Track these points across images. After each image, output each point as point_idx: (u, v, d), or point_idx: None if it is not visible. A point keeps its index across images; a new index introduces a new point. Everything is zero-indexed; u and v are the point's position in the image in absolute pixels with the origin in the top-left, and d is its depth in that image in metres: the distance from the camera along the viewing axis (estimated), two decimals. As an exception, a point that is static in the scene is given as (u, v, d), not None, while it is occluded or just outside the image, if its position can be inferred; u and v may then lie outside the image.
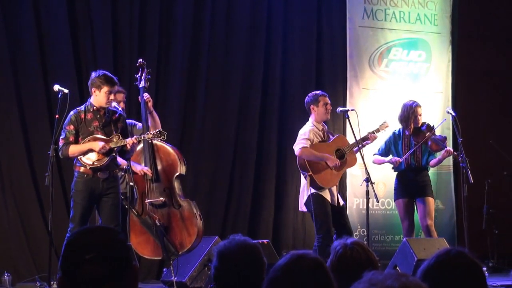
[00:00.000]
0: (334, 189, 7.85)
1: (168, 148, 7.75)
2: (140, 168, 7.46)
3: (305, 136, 7.81)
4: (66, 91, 6.96)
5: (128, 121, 7.46)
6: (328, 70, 10.26)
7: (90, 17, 9.02)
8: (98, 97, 6.91)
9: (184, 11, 9.50)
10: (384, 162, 8.52)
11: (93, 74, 6.96)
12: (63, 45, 8.85)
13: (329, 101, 7.89)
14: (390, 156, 8.49)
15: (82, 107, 6.96)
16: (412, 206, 8.50)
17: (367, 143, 7.94)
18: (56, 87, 7.00)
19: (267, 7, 9.96)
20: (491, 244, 10.09)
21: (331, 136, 7.97)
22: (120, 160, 7.26)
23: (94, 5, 9.04)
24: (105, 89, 6.87)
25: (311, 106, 7.88)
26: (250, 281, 3.13)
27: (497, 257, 10.14)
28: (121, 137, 6.94)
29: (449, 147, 8.53)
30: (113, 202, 6.99)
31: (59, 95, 6.95)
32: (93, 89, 6.91)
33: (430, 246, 7.52)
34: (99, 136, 6.92)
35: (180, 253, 7.46)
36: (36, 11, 8.82)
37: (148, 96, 7.66)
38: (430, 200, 8.45)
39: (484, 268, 8.43)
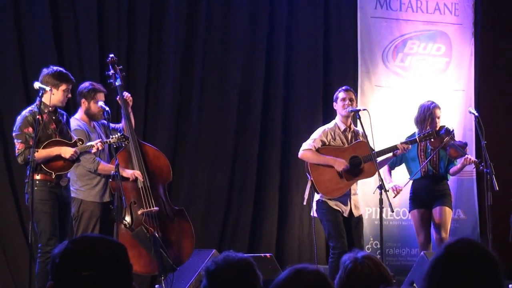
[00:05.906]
0: (348, 198, 7.67)
1: (158, 151, 7.68)
2: (131, 172, 7.35)
3: (314, 136, 7.68)
4: (47, 89, 6.81)
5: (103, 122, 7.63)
6: (337, 66, 10.02)
7: (74, 11, 8.76)
8: (55, 96, 6.87)
9: (177, 2, 9.25)
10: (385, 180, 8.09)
11: (45, 71, 6.95)
12: (44, 41, 8.61)
13: (345, 96, 7.71)
14: (392, 183, 8.11)
15: (35, 108, 6.88)
16: (428, 217, 8.28)
17: (397, 153, 7.75)
18: (37, 85, 6.85)
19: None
20: (518, 257, 9.87)
21: (353, 141, 7.76)
22: (107, 166, 7.29)
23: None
24: (63, 86, 6.89)
25: (334, 103, 7.82)
26: None
27: (525, 272, 9.95)
28: (84, 142, 6.98)
29: (469, 155, 8.26)
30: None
31: (40, 93, 6.84)
32: (48, 87, 6.87)
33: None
34: (59, 139, 6.89)
35: (177, 267, 7.34)
36: (15, 9, 8.55)
37: (129, 95, 7.64)
38: (447, 210, 8.22)
39: (510, 286, 8.15)
